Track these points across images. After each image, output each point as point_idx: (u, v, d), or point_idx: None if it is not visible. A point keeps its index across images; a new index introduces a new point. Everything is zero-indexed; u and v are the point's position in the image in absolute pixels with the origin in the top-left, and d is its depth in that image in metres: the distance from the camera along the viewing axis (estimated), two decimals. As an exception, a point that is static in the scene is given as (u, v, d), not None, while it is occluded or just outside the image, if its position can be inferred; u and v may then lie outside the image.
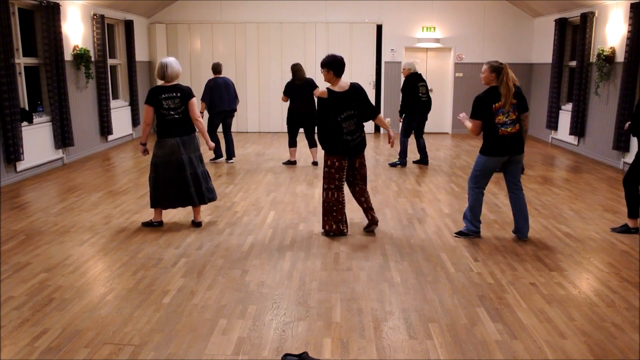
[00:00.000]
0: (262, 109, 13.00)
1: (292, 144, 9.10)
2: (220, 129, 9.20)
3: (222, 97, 8.84)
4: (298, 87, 8.68)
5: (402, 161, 8.92)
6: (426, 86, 8.67)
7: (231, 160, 9.30)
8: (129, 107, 11.62)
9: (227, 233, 5.44)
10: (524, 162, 8.32)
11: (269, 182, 7.72)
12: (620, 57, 8.79)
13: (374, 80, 12.82)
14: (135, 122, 11.79)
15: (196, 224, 5.63)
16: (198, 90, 12.51)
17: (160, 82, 5.43)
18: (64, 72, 8.71)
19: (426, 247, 5.06)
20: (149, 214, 6.02)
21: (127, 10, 11.31)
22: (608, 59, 9.00)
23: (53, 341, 3.31)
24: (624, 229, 5.48)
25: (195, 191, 5.52)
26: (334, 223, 5.29)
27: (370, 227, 5.48)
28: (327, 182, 5.22)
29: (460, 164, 9.19)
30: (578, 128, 10.09)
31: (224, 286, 4.14)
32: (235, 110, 9.13)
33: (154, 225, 5.60)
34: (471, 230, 5.31)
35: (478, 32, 12.65)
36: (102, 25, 10.07)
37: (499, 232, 5.48)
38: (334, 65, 5.10)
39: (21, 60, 8.08)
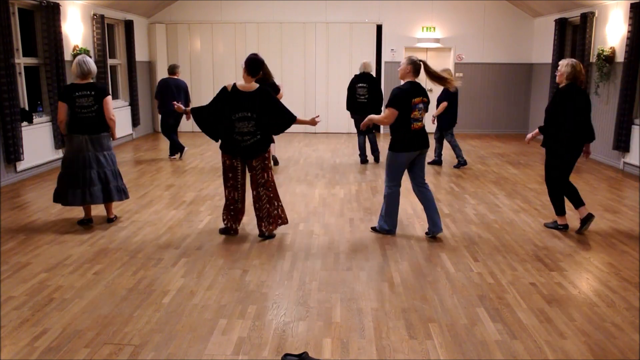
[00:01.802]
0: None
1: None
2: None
3: (170, 97, 9.02)
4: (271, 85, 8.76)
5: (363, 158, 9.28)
6: (365, 87, 8.84)
7: (174, 157, 9.52)
8: (129, 107, 11.61)
9: (227, 233, 5.44)
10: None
11: (269, 182, 7.71)
12: (620, 57, 8.79)
13: (374, 80, 12.81)
14: (135, 122, 11.79)
15: (109, 220, 5.73)
16: (196, 90, 12.56)
17: (78, 79, 5.43)
18: (64, 72, 8.70)
19: (426, 247, 5.05)
20: (148, 214, 6.02)
21: (127, 10, 11.31)
22: (608, 59, 9.00)
23: (53, 341, 3.31)
24: (554, 226, 5.61)
25: (103, 189, 5.53)
26: (231, 222, 5.27)
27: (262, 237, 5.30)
28: (224, 180, 5.19)
29: (460, 164, 9.18)
30: (578, 128, 10.08)
31: (224, 286, 4.14)
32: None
33: (85, 223, 5.64)
34: (384, 229, 5.37)
35: (478, 32, 12.65)
36: (102, 25, 10.07)
37: (498, 232, 5.48)
38: (248, 64, 5.09)
39: (21, 60, 8.08)
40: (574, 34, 10.80)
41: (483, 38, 12.65)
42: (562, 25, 10.81)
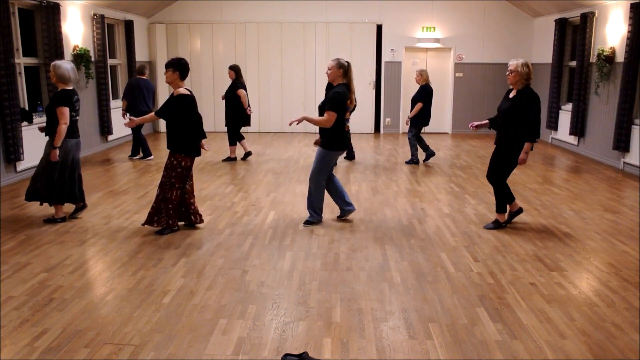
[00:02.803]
0: (262, 109, 12.98)
1: (241, 137, 9.43)
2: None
3: (141, 97, 9.05)
4: (242, 85, 9.03)
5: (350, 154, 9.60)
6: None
7: (137, 157, 9.52)
8: (129, 107, 11.61)
9: (227, 233, 5.44)
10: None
11: (269, 182, 7.72)
12: (620, 57, 8.79)
13: (374, 80, 12.81)
14: (135, 122, 11.78)
15: (62, 219, 5.74)
16: (196, 91, 12.54)
17: (64, 85, 5.49)
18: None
19: (426, 247, 5.06)
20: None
21: (127, 10, 11.31)
22: (608, 59, 9.00)
23: (53, 341, 3.31)
24: (496, 225, 5.61)
25: (79, 189, 5.80)
26: (176, 219, 5.37)
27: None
28: (179, 181, 5.24)
29: (460, 164, 9.19)
30: (578, 128, 10.10)
31: (224, 286, 4.14)
32: (151, 111, 9.41)
33: (57, 222, 5.71)
34: (317, 219, 5.73)
35: (478, 32, 12.65)
36: (102, 25, 10.07)
37: (498, 232, 5.48)
38: (181, 68, 5.14)
39: (21, 60, 8.08)
40: (574, 34, 10.80)
41: (483, 38, 12.65)
42: (562, 25, 10.81)
